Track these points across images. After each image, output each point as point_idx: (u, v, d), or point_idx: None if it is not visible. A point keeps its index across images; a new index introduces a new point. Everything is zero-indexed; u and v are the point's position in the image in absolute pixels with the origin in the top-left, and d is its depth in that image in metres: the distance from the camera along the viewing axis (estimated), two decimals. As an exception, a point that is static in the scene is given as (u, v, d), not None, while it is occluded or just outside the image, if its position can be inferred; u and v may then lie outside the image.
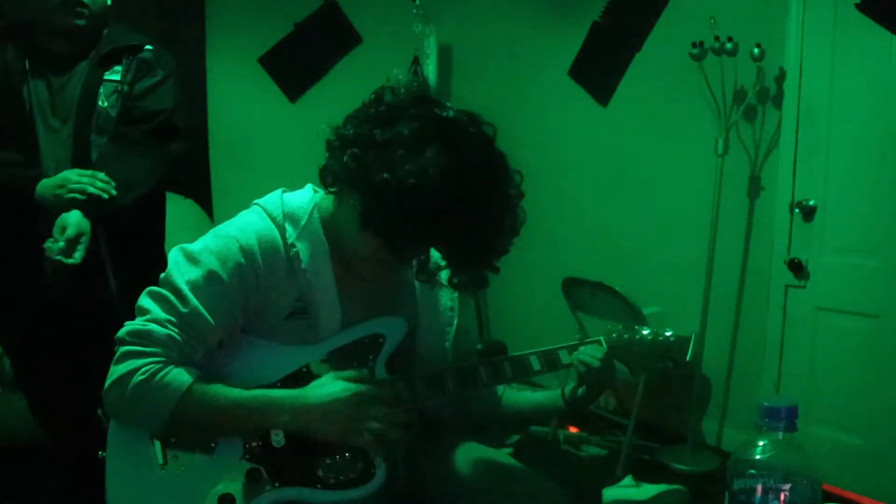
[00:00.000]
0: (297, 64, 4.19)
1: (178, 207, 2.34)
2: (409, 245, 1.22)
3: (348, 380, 1.23)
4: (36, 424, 2.16)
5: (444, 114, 1.19)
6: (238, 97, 4.11)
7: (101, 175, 1.86)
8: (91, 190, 1.82)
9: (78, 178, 1.84)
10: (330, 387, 1.21)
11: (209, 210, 3.92)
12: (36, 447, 2.43)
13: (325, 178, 1.25)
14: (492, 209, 1.18)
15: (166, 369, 1.16)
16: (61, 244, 1.76)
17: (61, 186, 1.83)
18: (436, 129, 1.16)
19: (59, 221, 1.80)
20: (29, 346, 2.05)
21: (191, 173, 3.53)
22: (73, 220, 1.80)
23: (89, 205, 1.82)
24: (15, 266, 1.95)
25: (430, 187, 1.11)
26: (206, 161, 4.02)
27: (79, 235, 1.80)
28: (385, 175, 1.12)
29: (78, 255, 1.79)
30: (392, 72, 3.67)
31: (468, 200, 1.14)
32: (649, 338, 1.44)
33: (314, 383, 1.23)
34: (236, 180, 3.96)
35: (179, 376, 1.17)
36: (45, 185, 1.85)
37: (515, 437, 3.28)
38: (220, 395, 1.19)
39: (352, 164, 1.17)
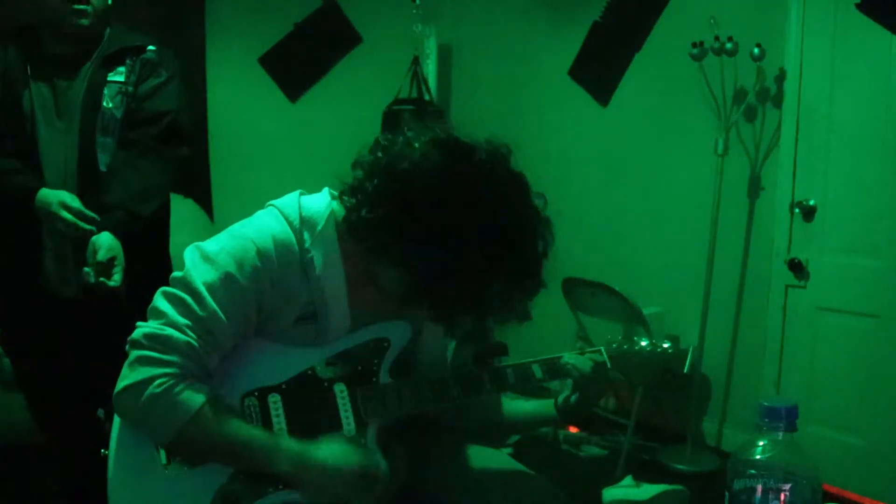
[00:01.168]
0: (297, 64, 4.18)
1: (177, 207, 2.33)
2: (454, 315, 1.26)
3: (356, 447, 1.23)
4: (35, 423, 2.16)
5: (487, 179, 1.19)
6: (238, 97, 4.11)
7: (86, 213, 1.86)
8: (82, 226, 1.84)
9: (65, 216, 1.83)
10: (335, 453, 1.20)
11: (209, 210, 3.92)
12: (36, 447, 2.43)
13: (368, 241, 1.22)
14: (538, 261, 1.28)
15: (182, 385, 1.14)
16: (90, 269, 1.78)
17: (56, 217, 1.83)
18: (491, 209, 1.18)
19: (90, 246, 1.82)
20: (31, 345, 2.04)
21: (191, 173, 3.52)
22: (105, 243, 1.83)
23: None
24: (17, 265, 1.95)
25: (493, 274, 1.18)
26: (206, 161, 4.02)
27: (111, 259, 1.82)
28: (452, 268, 1.15)
29: (117, 278, 1.82)
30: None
31: (526, 270, 1.24)
32: (647, 349, 1.46)
33: (323, 443, 1.21)
34: (236, 180, 3.96)
35: (193, 396, 1.14)
36: (43, 200, 1.85)
37: (515, 437, 3.28)
38: (228, 426, 1.16)
39: (413, 255, 1.17)
